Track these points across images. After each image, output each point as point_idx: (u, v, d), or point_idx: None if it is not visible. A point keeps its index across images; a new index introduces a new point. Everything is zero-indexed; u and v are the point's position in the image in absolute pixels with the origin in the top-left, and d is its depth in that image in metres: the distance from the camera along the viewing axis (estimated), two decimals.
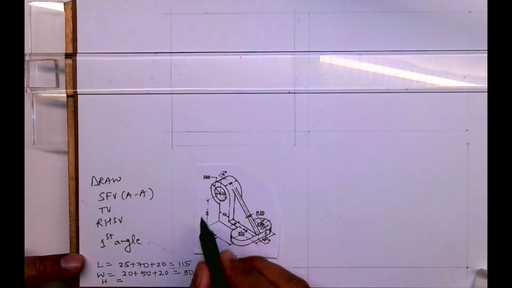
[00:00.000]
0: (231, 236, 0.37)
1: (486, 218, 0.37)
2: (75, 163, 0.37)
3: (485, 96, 0.37)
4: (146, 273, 0.38)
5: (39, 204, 0.39)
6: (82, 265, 0.37)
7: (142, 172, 0.37)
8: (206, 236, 0.34)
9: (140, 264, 0.38)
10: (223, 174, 0.37)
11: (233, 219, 0.37)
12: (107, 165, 0.37)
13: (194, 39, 0.37)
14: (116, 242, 0.38)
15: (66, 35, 0.37)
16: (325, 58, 0.37)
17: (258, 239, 0.37)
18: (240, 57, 0.37)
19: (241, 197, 0.37)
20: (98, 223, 0.37)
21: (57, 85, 0.38)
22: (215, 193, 0.37)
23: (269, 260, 0.36)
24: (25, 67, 0.37)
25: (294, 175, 0.37)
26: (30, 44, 0.38)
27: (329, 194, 0.37)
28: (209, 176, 0.37)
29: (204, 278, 0.32)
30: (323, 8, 0.37)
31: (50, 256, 0.37)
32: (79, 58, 0.37)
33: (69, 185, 0.38)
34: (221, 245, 0.37)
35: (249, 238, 0.37)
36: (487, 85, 0.37)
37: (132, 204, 0.37)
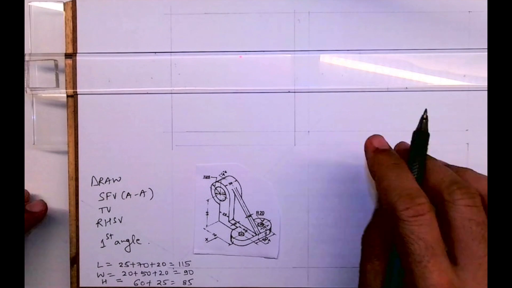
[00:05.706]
0: (231, 236, 0.37)
1: None
2: (75, 163, 0.37)
3: (485, 95, 0.37)
4: (146, 273, 0.38)
5: None
6: (46, 209, 0.38)
7: (142, 172, 0.37)
8: (421, 133, 0.30)
9: (140, 264, 0.38)
10: (223, 174, 0.37)
11: (233, 219, 0.37)
12: (107, 165, 0.37)
13: (194, 39, 0.37)
14: (116, 242, 0.38)
15: (66, 35, 0.37)
16: (325, 58, 0.37)
17: (258, 239, 0.37)
18: (240, 57, 0.37)
19: (241, 197, 0.37)
20: (98, 223, 0.37)
21: (57, 85, 0.38)
22: (215, 193, 0.37)
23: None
24: (25, 67, 0.37)
25: (294, 175, 0.37)
26: (30, 44, 0.38)
27: (329, 194, 0.37)
28: (209, 176, 0.37)
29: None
30: (323, 8, 0.37)
31: None
32: (79, 58, 0.37)
33: (69, 185, 0.38)
34: (221, 245, 0.37)
35: (249, 238, 0.37)
36: (487, 85, 0.37)
37: (132, 204, 0.37)
